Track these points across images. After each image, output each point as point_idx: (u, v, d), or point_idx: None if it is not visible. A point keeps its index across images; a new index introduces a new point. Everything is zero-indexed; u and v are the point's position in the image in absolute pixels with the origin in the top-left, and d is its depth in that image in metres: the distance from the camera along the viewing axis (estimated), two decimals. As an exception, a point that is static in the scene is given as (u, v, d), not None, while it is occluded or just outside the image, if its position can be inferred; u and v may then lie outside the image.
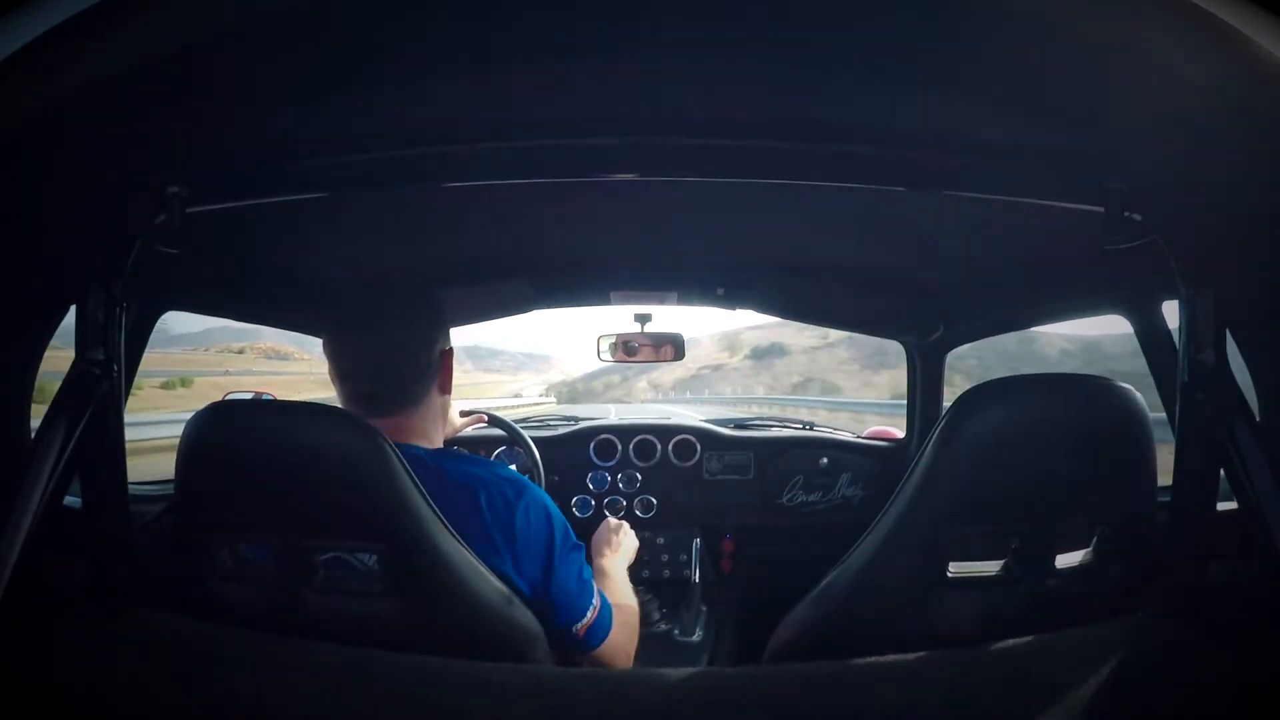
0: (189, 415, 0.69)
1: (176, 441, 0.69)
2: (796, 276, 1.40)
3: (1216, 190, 0.61)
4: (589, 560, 0.90)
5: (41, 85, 0.46)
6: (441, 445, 0.88)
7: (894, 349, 1.76)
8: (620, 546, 1.10)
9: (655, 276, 1.48)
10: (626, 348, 1.64)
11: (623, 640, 0.86)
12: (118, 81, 0.49)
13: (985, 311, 1.42)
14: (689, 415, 2.78)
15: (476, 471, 0.81)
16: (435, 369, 0.84)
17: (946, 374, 1.65)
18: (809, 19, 0.53)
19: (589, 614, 0.81)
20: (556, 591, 0.78)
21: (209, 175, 0.69)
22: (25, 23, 0.42)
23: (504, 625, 0.70)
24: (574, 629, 0.80)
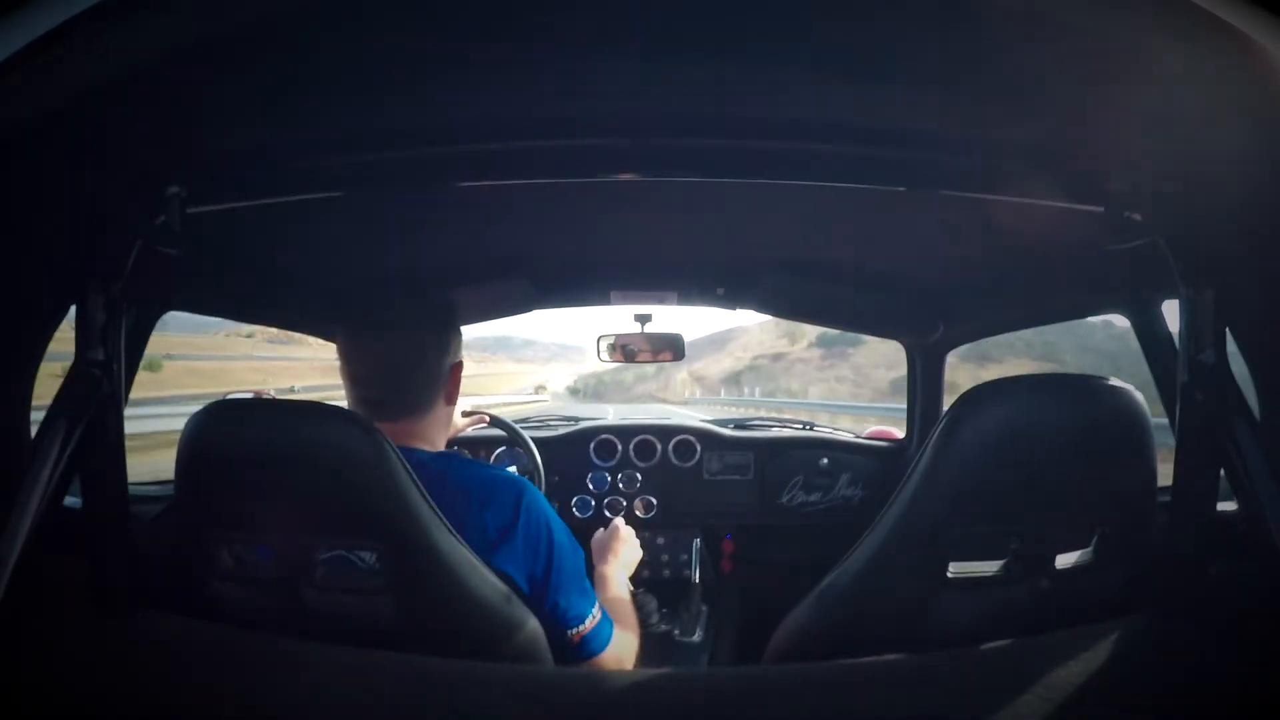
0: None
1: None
2: (797, 276, 1.40)
3: (1216, 190, 0.61)
4: (589, 565, 0.89)
5: (41, 85, 0.46)
6: (443, 449, 0.88)
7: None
8: (622, 555, 1.09)
9: (655, 276, 1.48)
10: (626, 350, 1.64)
11: (621, 653, 0.86)
12: (118, 82, 0.48)
13: (985, 311, 1.43)
14: (690, 415, 2.78)
15: (477, 474, 0.81)
16: (445, 381, 0.85)
17: (1038, 365, 1.58)
18: (809, 19, 0.53)
19: (586, 622, 0.81)
20: (554, 596, 0.78)
21: (209, 175, 0.69)
22: (25, 23, 0.42)
23: (503, 623, 0.70)
24: (569, 634, 0.79)
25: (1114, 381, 0.64)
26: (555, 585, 0.78)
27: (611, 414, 2.44)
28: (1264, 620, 0.58)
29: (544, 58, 0.59)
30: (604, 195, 0.95)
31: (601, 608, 0.84)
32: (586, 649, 0.81)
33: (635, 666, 0.89)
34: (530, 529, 0.78)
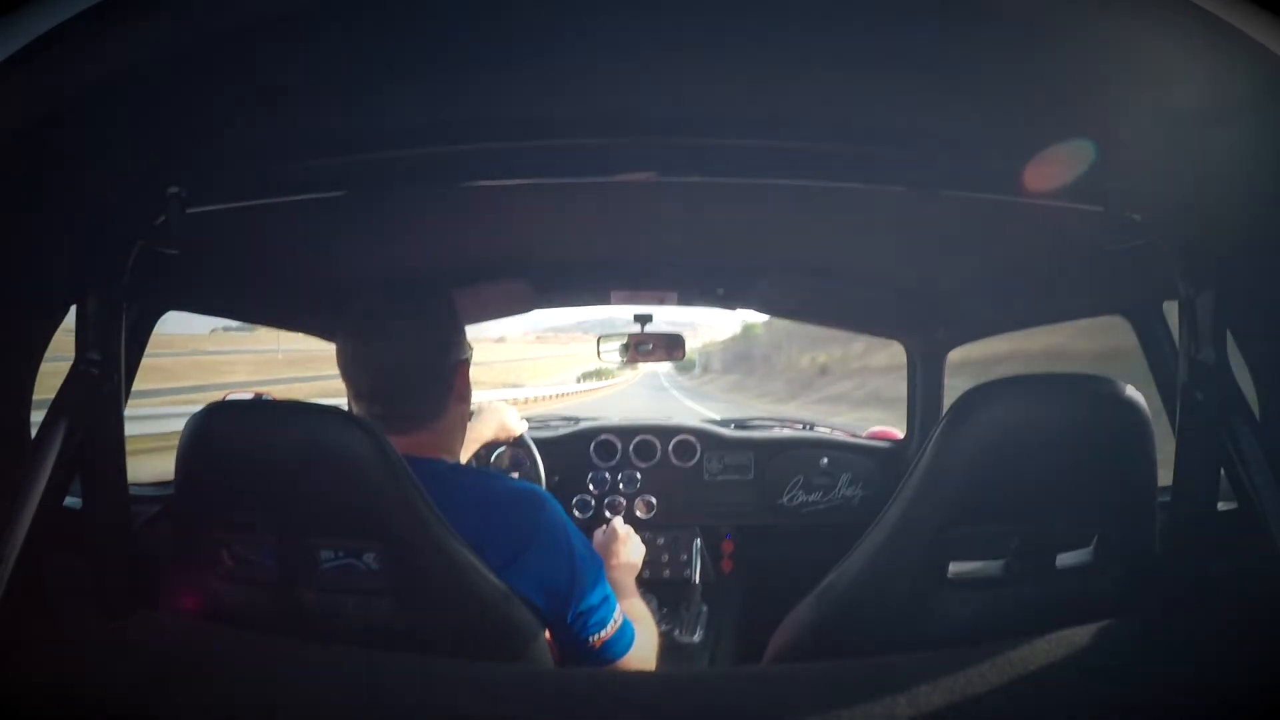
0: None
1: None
2: (796, 276, 1.40)
3: (1216, 190, 0.61)
4: None
5: (41, 85, 0.46)
6: (461, 458, 0.86)
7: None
8: (624, 557, 1.09)
9: (655, 276, 1.48)
10: (639, 348, 1.65)
11: (644, 654, 0.85)
12: (118, 81, 0.49)
13: (985, 311, 1.43)
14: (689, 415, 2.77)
15: (493, 487, 0.80)
16: (452, 380, 0.83)
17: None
18: (811, 19, 0.53)
19: (608, 627, 0.80)
20: (575, 607, 0.78)
21: (209, 175, 0.69)
22: (25, 23, 0.42)
23: (504, 624, 0.70)
24: (590, 641, 0.79)
25: (1114, 381, 0.64)
26: (577, 596, 0.78)
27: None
28: (1264, 620, 0.58)
29: (544, 57, 0.59)
30: (604, 195, 0.95)
31: (622, 613, 0.83)
32: (609, 654, 0.80)
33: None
34: (547, 542, 0.77)
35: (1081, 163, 0.66)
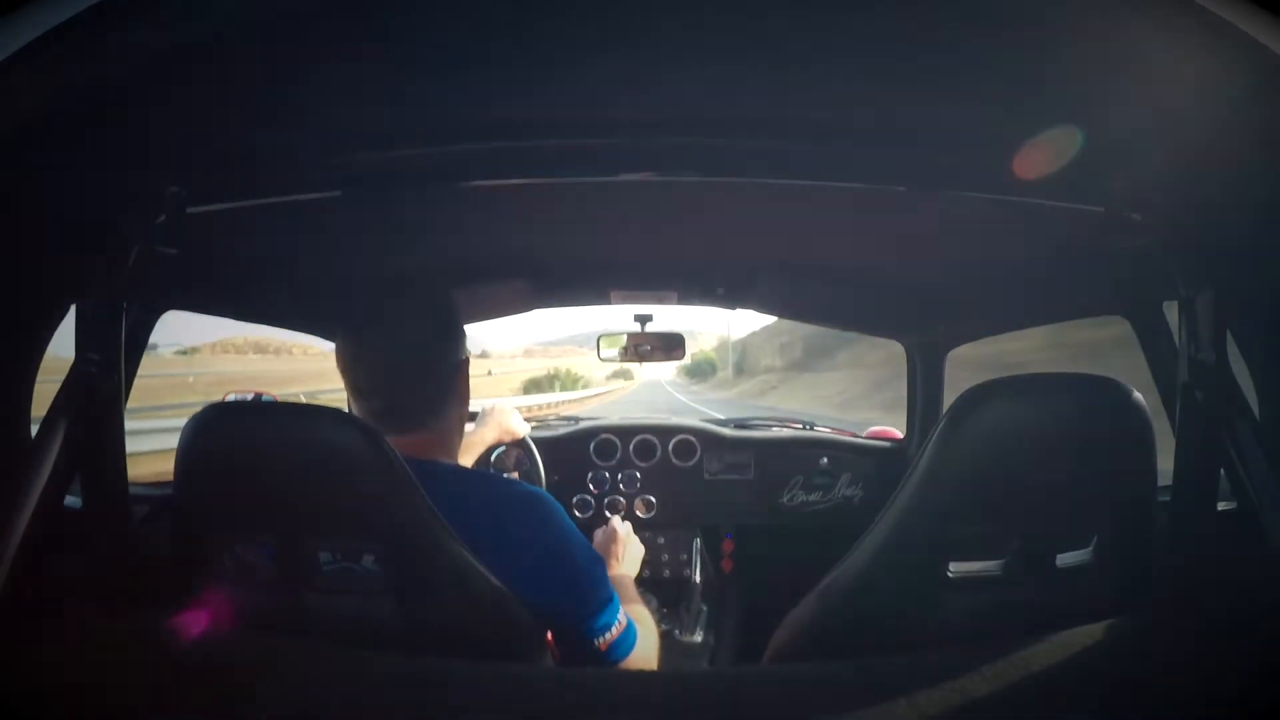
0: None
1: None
2: (796, 276, 1.40)
3: (1216, 190, 0.61)
4: None
5: (41, 85, 0.46)
6: (466, 462, 0.86)
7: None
8: (624, 557, 1.09)
9: (655, 276, 1.48)
10: (639, 349, 1.65)
11: (648, 654, 0.86)
12: (118, 82, 0.49)
13: (985, 311, 1.43)
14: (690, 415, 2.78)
15: (497, 490, 0.80)
16: (453, 380, 0.83)
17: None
18: (810, 18, 0.53)
19: (613, 629, 0.80)
20: (582, 609, 0.78)
21: (209, 175, 0.69)
22: (25, 23, 0.42)
23: (504, 625, 0.70)
24: (595, 644, 0.79)
25: (1114, 381, 0.64)
26: (582, 600, 0.78)
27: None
28: (1264, 620, 0.58)
29: (545, 57, 0.59)
30: (604, 194, 0.95)
31: (626, 614, 0.83)
32: (613, 655, 0.80)
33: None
34: (553, 547, 0.77)
35: (1081, 163, 0.66)
